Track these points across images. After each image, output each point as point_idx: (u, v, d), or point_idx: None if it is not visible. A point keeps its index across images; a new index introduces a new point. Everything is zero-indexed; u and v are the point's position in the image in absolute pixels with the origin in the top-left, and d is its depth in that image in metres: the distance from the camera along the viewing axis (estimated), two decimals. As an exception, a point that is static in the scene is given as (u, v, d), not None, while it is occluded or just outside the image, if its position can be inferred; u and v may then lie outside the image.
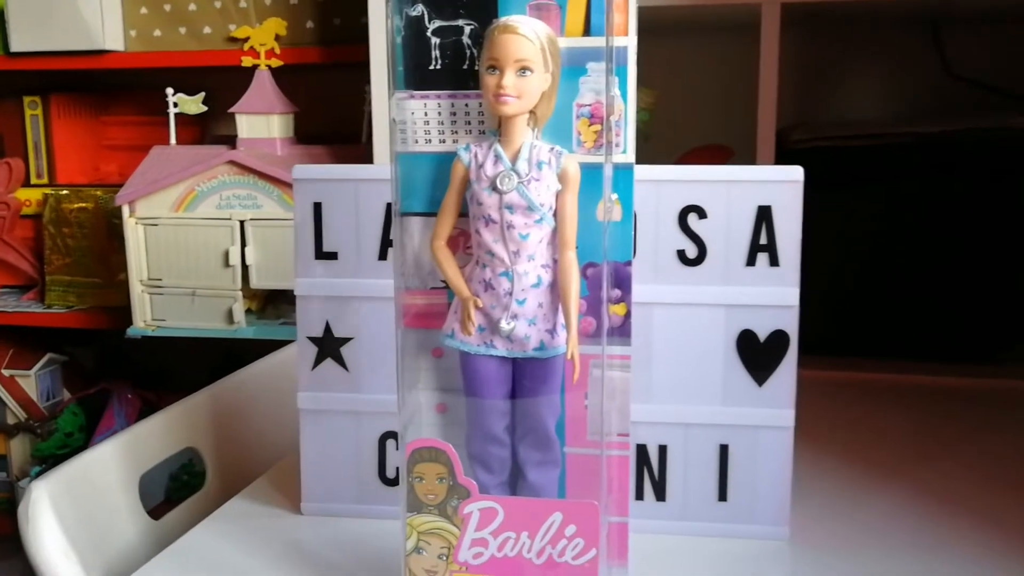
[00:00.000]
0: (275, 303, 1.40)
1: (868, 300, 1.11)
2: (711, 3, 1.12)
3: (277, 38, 1.37)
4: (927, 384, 1.02)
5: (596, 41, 0.51)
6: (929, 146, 1.08)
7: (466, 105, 0.53)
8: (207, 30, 1.41)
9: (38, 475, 1.50)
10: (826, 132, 1.13)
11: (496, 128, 0.51)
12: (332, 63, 1.39)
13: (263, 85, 1.35)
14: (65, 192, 1.50)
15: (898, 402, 0.97)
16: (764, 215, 0.64)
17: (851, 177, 1.10)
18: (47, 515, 0.65)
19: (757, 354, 0.65)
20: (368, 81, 1.25)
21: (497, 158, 0.50)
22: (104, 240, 1.48)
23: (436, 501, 0.51)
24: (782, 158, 1.12)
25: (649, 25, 0.88)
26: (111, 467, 0.75)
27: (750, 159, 1.13)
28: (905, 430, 0.89)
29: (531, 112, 0.50)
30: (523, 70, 0.49)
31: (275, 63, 1.36)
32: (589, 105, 0.51)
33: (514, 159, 0.50)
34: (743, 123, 1.18)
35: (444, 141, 0.53)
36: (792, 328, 0.64)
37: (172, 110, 1.37)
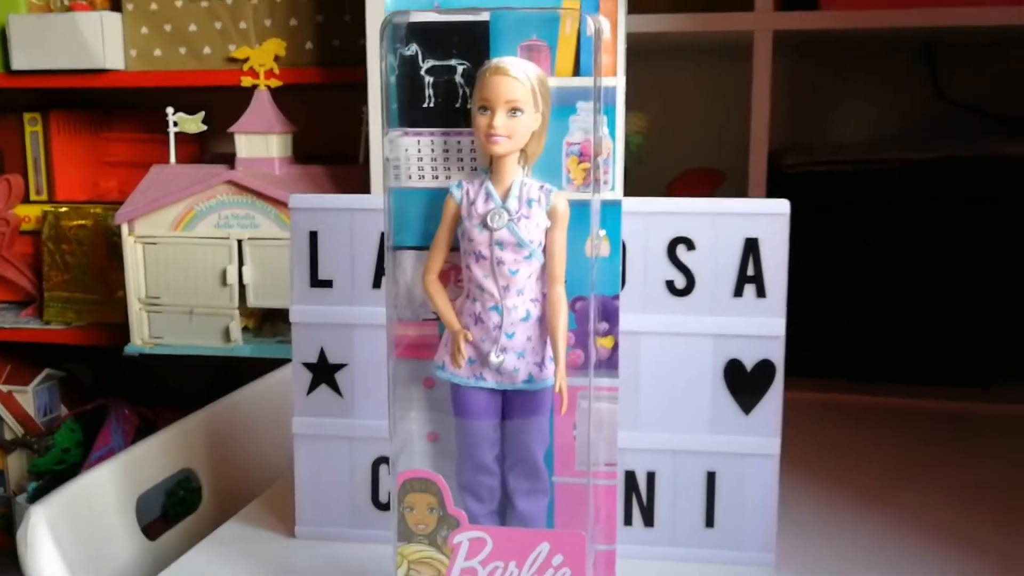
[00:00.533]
0: (272, 321, 1.41)
1: (858, 323, 1.12)
2: (704, 29, 1.14)
3: (276, 59, 1.38)
4: (915, 408, 1.03)
5: (585, 81, 0.52)
6: (920, 172, 1.10)
7: (458, 143, 0.54)
8: (207, 50, 1.43)
9: (35, 491, 1.51)
10: (818, 156, 1.14)
11: (487, 166, 0.52)
12: (331, 84, 1.40)
13: (262, 105, 1.37)
14: (64, 209, 1.51)
15: (886, 425, 0.98)
16: (751, 247, 0.65)
17: (842, 201, 1.11)
18: (45, 539, 0.66)
19: (744, 383, 0.66)
20: (366, 102, 1.27)
21: (488, 196, 0.52)
22: (103, 257, 1.49)
23: (426, 531, 0.52)
24: (774, 182, 1.14)
25: (643, 49, 0.89)
26: (108, 489, 0.76)
27: (742, 183, 1.15)
28: (891, 453, 0.90)
29: (521, 151, 0.52)
30: (514, 111, 0.50)
31: (274, 83, 1.37)
32: (578, 144, 0.53)
33: (505, 197, 0.52)
34: (735, 147, 1.19)
35: (437, 177, 0.54)
36: (778, 358, 0.66)
37: (172, 129, 1.38)
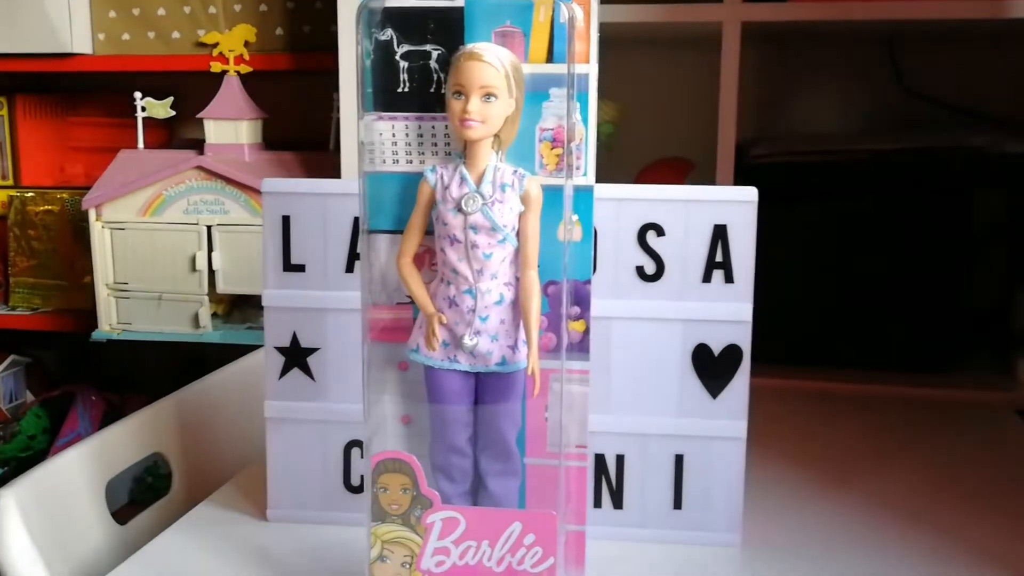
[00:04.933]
0: (241, 308, 1.41)
1: (823, 311, 1.14)
2: (674, 20, 1.15)
3: (246, 44, 1.37)
4: (879, 394, 1.05)
5: (558, 68, 0.53)
6: (884, 163, 1.12)
7: (433, 127, 0.55)
8: (176, 35, 1.42)
9: (1, 477, 1.49)
10: (784, 147, 1.16)
11: (462, 150, 0.53)
12: (301, 70, 1.40)
13: (232, 91, 1.36)
14: (31, 194, 1.49)
15: (850, 411, 1.00)
16: (720, 233, 0.66)
17: (808, 192, 1.13)
18: (15, 523, 0.66)
19: (712, 367, 0.67)
20: (337, 88, 1.26)
21: (462, 180, 0.52)
22: (70, 243, 1.48)
23: (400, 511, 0.53)
24: (741, 172, 1.15)
25: (613, 39, 0.90)
26: (78, 474, 0.76)
27: (711, 172, 1.16)
28: (856, 438, 0.92)
29: (495, 136, 0.52)
30: (488, 96, 0.51)
31: (244, 69, 1.37)
32: (551, 129, 0.53)
33: (479, 181, 0.52)
34: (704, 137, 1.20)
35: (411, 162, 0.55)
36: (745, 342, 0.67)
37: (140, 114, 1.37)
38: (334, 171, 1.28)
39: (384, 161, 0.55)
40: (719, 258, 0.67)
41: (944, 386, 1.06)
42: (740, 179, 1.15)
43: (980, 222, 1.15)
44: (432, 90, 0.54)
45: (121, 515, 0.80)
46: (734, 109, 1.14)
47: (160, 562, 0.67)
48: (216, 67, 1.37)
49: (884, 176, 1.11)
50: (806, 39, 1.33)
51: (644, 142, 1.33)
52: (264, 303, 0.71)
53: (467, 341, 0.53)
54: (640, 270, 0.67)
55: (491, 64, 0.51)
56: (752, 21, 1.12)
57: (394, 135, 0.55)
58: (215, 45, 1.38)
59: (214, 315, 1.36)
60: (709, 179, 1.17)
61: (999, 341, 1.19)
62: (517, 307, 0.54)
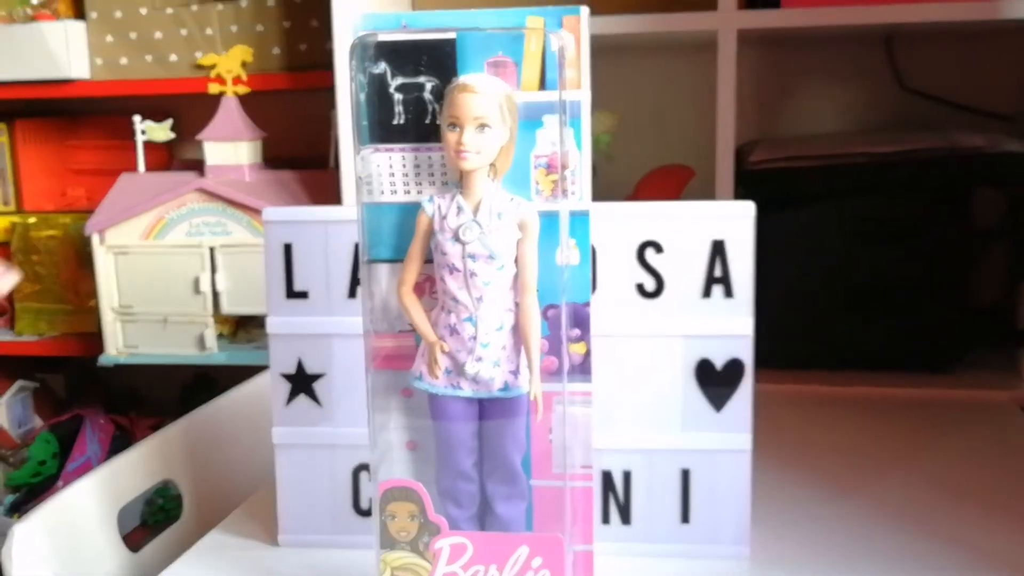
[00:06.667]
0: (246, 327, 1.42)
1: (826, 315, 1.14)
2: (668, 29, 1.15)
3: (243, 65, 1.38)
4: (883, 396, 1.06)
5: (551, 95, 0.53)
6: (884, 166, 1.12)
7: (429, 158, 0.55)
8: (173, 58, 1.42)
9: (12, 504, 1.50)
10: (784, 152, 1.16)
11: (458, 180, 0.54)
12: (299, 89, 1.41)
13: (230, 112, 1.36)
14: (33, 220, 1.50)
15: (854, 414, 1.00)
16: (718, 249, 0.67)
17: (807, 196, 1.14)
18: (31, 557, 0.66)
19: (715, 382, 0.68)
20: (335, 106, 1.27)
21: (459, 209, 0.53)
22: (73, 267, 1.49)
23: (408, 538, 0.53)
24: (741, 178, 1.16)
25: (609, 49, 0.91)
26: (90, 503, 0.77)
27: (710, 179, 1.17)
28: (860, 442, 0.92)
29: (491, 165, 0.53)
30: (482, 127, 0.51)
31: (242, 90, 1.37)
32: (546, 156, 0.54)
33: (475, 210, 0.53)
34: (703, 143, 1.21)
35: (408, 192, 0.56)
36: (747, 356, 0.67)
37: (140, 137, 1.38)
38: (335, 189, 1.29)
39: (382, 192, 0.56)
40: (718, 273, 0.67)
41: (949, 387, 1.06)
42: (740, 184, 1.16)
43: (982, 222, 1.15)
44: (427, 121, 0.54)
45: (133, 540, 0.80)
46: (732, 115, 1.14)
47: (174, 592, 0.68)
48: (214, 88, 1.37)
49: (884, 178, 1.12)
50: (803, 41, 1.33)
51: (643, 150, 1.34)
52: (268, 330, 0.72)
53: (469, 368, 0.54)
54: (640, 287, 0.68)
55: (484, 95, 0.51)
56: (747, 28, 1.12)
57: (391, 166, 0.55)
58: (212, 67, 1.38)
59: (219, 336, 1.37)
60: (709, 185, 1.17)
61: (1003, 340, 1.19)
62: (518, 332, 0.54)
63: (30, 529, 0.68)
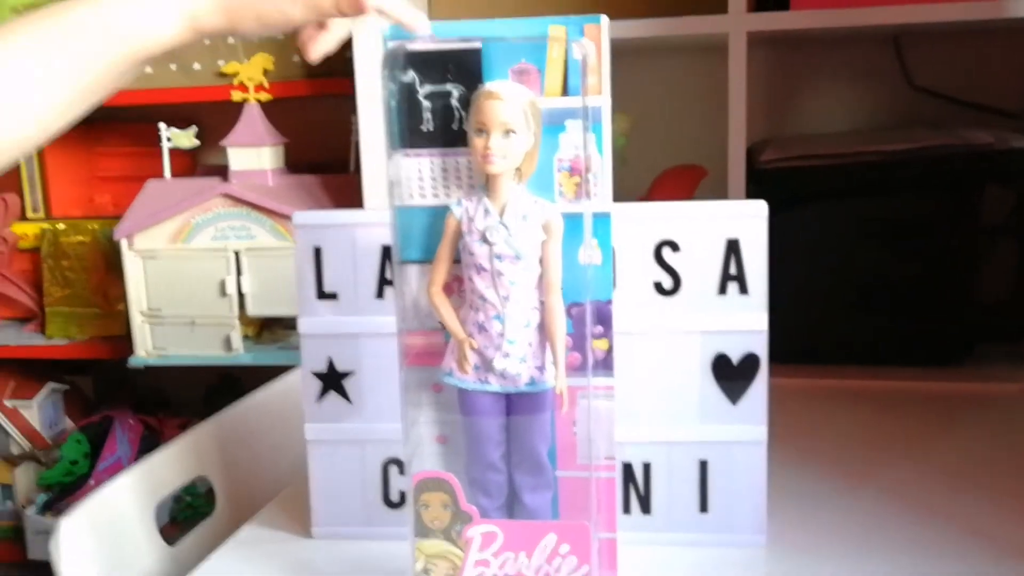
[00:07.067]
0: (271, 329, 1.45)
1: (839, 310, 1.16)
2: (680, 33, 1.18)
3: (265, 72, 1.41)
4: (894, 389, 1.08)
5: (573, 101, 0.56)
6: (893, 164, 1.14)
7: (456, 162, 0.58)
8: (197, 66, 1.46)
9: (45, 503, 1.54)
10: (794, 151, 1.18)
11: (484, 183, 0.56)
12: (319, 95, 1.44)
13: (252, 118, 1.40)
14: (62, 226, 1.54)
15: (868, 407, 1.03)
16: (733, 247, 0.69)
17: (819, 194, 1.16)
18: (77, 549, 0.69)
19: (731, 376, 0.70)
20: (355, 112, 1.30)
21: (486, 212, 0.56)
22: (102, 272, 1.52)
23: (441, 526, 0.56)
24: (753, 177, 1.18)
25: (622, 52, 0.92)
26: (129, 499, 0.79)
27: (722, 178, 1.19)
28: (874, 434, 0.94)
29: (516, 169, 0.55)
30: (507, 132, 0.54)
31: (264, 97, 1.41)
32: (569, 160, 0.56)
33: (501, 212, 0.55)
34: (716, 143, 1.23)
35: (437, 195, 0.58)
36: (762, 350, 0.70)
37: (166, 144, 1.41)
38: (356, 192, 1.31)
39: (412, 196, 0.58)
40: (733, 271, 0.69)
41: (958, 379, 1.08)
42: (752, 183, 1.18)
43: (990, 218, 1.17)
44: (454, 127, 0.57)
45: (166, 534, 0.83)
46: (743, 115, 1.16)
47: (214, 581, 0.71)
48: (237, 96, 1.40)
49: (893, 176, 1.14)
50: (812, 42, 1.35)
51: (657, 151, 1.36)
52: (300, 331, 0.75)
53: (497, 364, 0.56)
54: (658, 285, 0.70)
55: (509, 102, 0.54)
56: (757, 31, 1.14)
57: (420, 171, 0.58)
58: (235, 74, 1.42)
59: (245, 337, 1.40)
60: (721, 184, 1.20)
61: (1011, 334, 1.21)
62: (543, 329, 0.57)
63: (75, 523, 0.71)
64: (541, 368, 0.57)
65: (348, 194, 1.36)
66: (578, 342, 0.57)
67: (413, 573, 0.56)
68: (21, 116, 0.58)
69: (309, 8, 0.58)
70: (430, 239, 0.58)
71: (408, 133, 0.57)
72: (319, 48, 0.62)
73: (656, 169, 1.30)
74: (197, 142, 1.42)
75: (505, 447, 0.59)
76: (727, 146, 1.18)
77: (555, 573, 0.55)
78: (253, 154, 1.38)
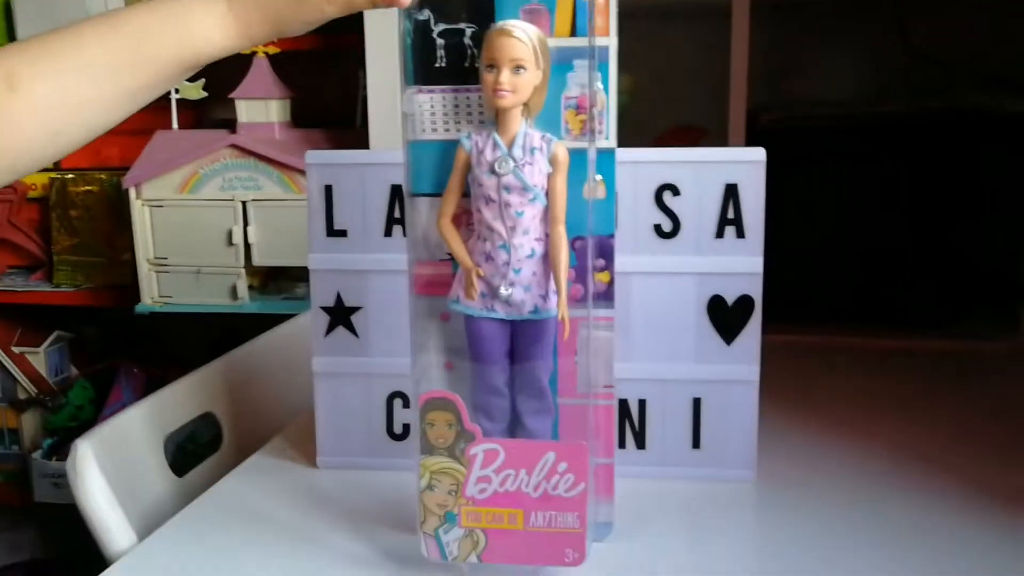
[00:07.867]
0: (276, 279, 1.47)
1: (837, 270, 1.19)
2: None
3: (274, 26, 1.43)
4: (889, 347, 1.10)
5: (581, 41, 0.58)
6: (892, 125, 1.16)
7: (468, 98, 0.60)
8: (206, 19, 1.47)
9: (50, 447, 1.57)
10: (794, 112, 1.20)
11: (494, 118, 0.58)
12: (327, 49, 1.45)
13: (261, 72, 1.41)
14: (71, 176, 1.56)
15: (859, 364, 1.05)
16: (731, 192, 0.72)
17: (818, 155, 1.18)
18: (93, 468, 0.72)
19: (726, 316, 0.73)
20: (363, 67, 1.32)
21: (495, 145, 0.58)
22: (109, 221, 1.54)
23: (445, 444, 0.58)
24: (753, 138, 1.20)
25: (626, 13, 0.94)
26: (139, 429, 0.82)
27: (723, 139, 1.21)
28: (864, 388, 0.97)
29: (525, 104, 0.58)
30: (517, 68, 0.56)
31: (272, 51, 1.42)
32: (575, 97, 0.59)
33: (510, 146, 0.58)
34: (716, 104, 1.25)
35: (448, 130, 0.60)
36: (757, 293, 0.72)
37: (174, 96, 1.43)
38: (362, 146, 1.33)
39: (424, 130, 0.61)
40: (731, 215, 0.72)
41: (954, 339, 1.11)
42: (752, 144, 1.20)
43: (987, 180, 1.19)
44: (466, 64, 0.59)
45: (176, 469, 0.86)
46: (744, 78, 1.18)
47: (224, 504, 0.73)
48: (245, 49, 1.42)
49: (892, 138, 1.16)
50: (814, 7, 1.37)
51: (658, 112, 1.38)
52: (310, 266, 0.77)
53: (503, 291, 0.59)
54: (658, 228, 0.73)
55: (520, 39, 0.56)
56: (760, -5, 1.16)
57: (432, 106, 0.60)
58: (244, 28, 1.43)
59: (250, 287, 1.43)
60: (722, 145, 1.21)
61: (1005, 295, 1.23)
62: (547, 260, 0.59)
63: (91, 446, 0.74)
64: (544, 297, 0.59)
65: (354, 146, 1.37)
66: (580, 275, 0.60)
67: (419, 488, 0.59)
68: (84, 120, 0.61)
69: (345, 3, 0.60)
70: (441, 172, 0.61)
71: (422, 69, 0.60)
72: None
73: (656, 130, 1.33)
74: (205, 94, 1.43)
75: (509, 373, 0.61)
76: (728, 108, 1.20)
77: (553, 490, 0.58)
78: (261, 107, 1.40)
